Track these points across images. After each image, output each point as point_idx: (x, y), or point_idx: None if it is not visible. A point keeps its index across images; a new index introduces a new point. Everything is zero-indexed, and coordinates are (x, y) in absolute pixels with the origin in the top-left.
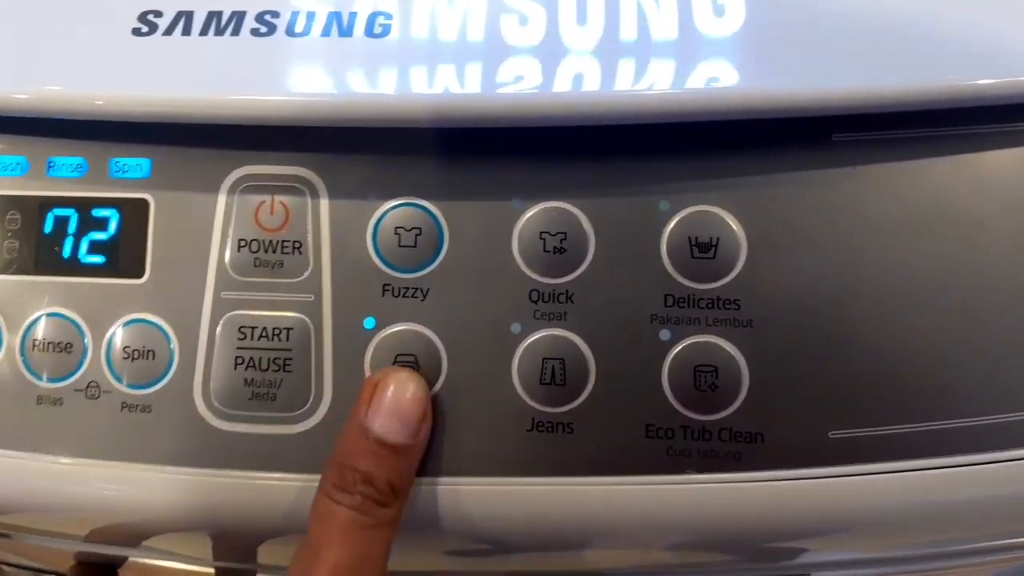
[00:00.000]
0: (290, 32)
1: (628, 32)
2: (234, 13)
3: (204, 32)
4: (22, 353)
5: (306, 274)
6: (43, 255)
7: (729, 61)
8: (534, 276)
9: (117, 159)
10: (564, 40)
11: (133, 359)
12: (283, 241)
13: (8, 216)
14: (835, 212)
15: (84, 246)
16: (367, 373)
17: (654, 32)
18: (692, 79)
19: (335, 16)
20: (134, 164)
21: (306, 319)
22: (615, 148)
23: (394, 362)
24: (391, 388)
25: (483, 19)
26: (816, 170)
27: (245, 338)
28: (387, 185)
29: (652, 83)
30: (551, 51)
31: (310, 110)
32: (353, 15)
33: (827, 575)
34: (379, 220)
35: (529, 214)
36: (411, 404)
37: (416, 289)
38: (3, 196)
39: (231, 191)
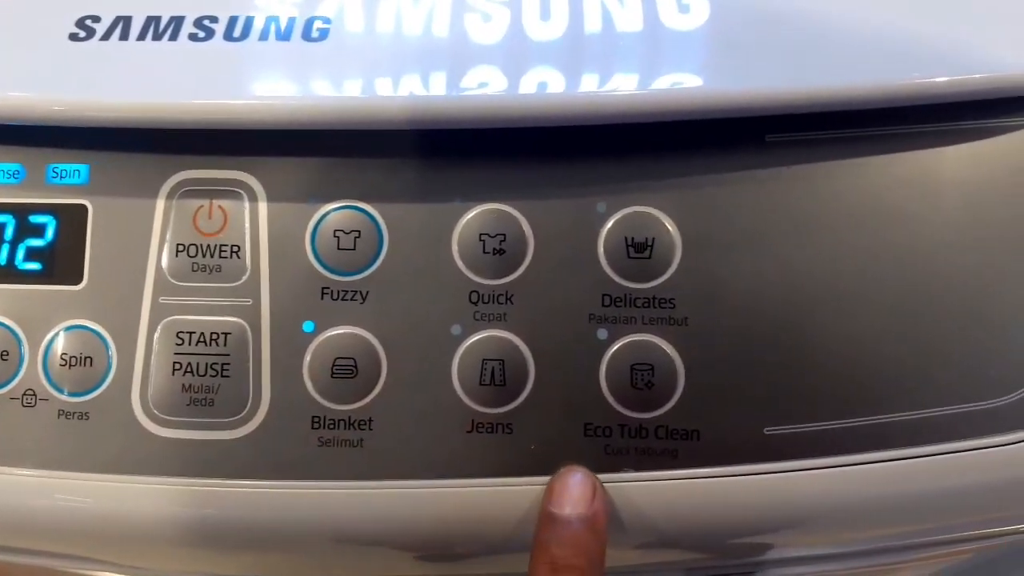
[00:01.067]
0: (228, 37)
1: (561, 37)
2: (172, 18)
3: (142, 37)
4: None
5: (244, 278)
6: None
7: (663, 64)
8: (474, 277)
9: (54, 165)
10: (513, 44)
11: (71, 366)
12: (221, 245)
13: None
14: (769, 212)
15: (21, 252)
16: (306, 377)
17: (588, 37)
18: (628, 82)
19: (273, 20)
20: (72, 170)
21: (244, 324)
22: (553, 150)
23: (333, 365)
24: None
25: (421, 22)
26: (750, 170)
27: (183, 343)
28: (326, 188)
29: (588, 86)
30: (491, 54)
31: (248, 114)
32: (292, 20)
33: (777, 573)
34: (318, 223)
35: (468, 216)
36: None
37: (355, 292)
38: None
39: (169, 196)
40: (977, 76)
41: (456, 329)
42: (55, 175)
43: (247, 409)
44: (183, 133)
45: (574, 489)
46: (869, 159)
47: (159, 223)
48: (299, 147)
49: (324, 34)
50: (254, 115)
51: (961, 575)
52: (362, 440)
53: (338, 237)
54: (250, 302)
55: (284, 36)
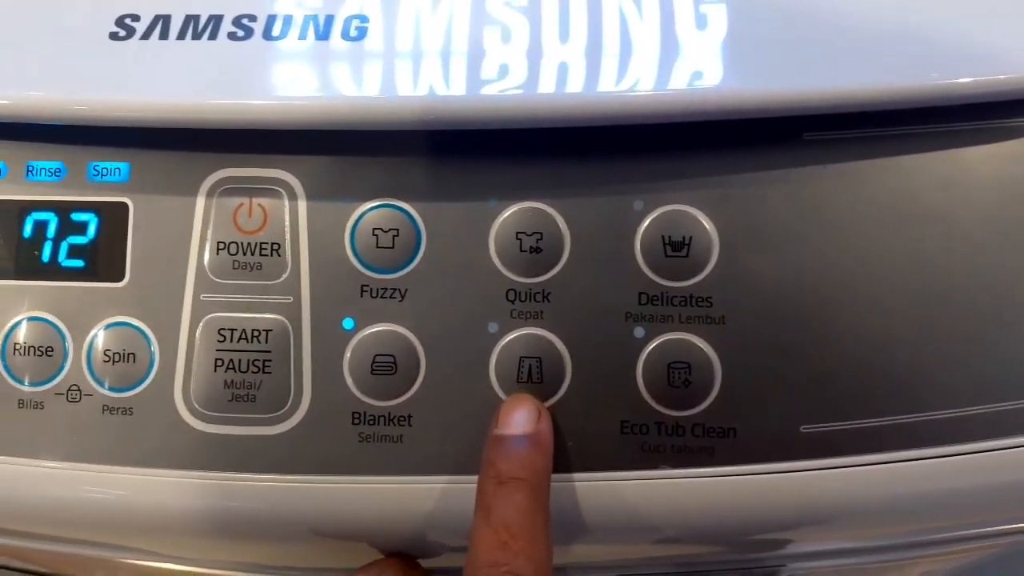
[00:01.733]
0: (267, 36)
1: (608, 36)
2: (211, 17)
3: (182, 36)
4: (2, 357)
5: (284, 276)
6: (23, 259)
7: (703, 63)
8: (511, 276)
9: (95, 163)
10: (544, 43)
11: (114, 362)
12: (261, 243)
13: None
14: (806, 210)
15: (64, 250)
16: (346, 373)
17: (634, 36)
18: (667, 81)
19: (312, 19)
20: (112, 168)
21: (285, 321)
22: (590, 149)
23: (372, 362)
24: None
25: (465, 23)
26: (787, 168)
27: (225, 340)
28: (365, 187)
29: (628, 85)
30: (531, 54)
31: (287, 114)
32: (330, 18)
33: (801, 566)
34: (357, 221)
35: (505, 214)
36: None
37: (394, 290)
38: None
39: (210, 194)
40: (1003, 77)
41: (493, 327)
42: (96, 173)
43: (288, 405)
44: (223, 132)
45: (518, 413)
46: (902, 158)
47: (199, 221)
48: (338, 146)
49: (363, 33)
50: (294, 115)
51: (985, 566)
52: (402, 436)
53: (377, 235)
54: (291, 299)
55: (323, 35)
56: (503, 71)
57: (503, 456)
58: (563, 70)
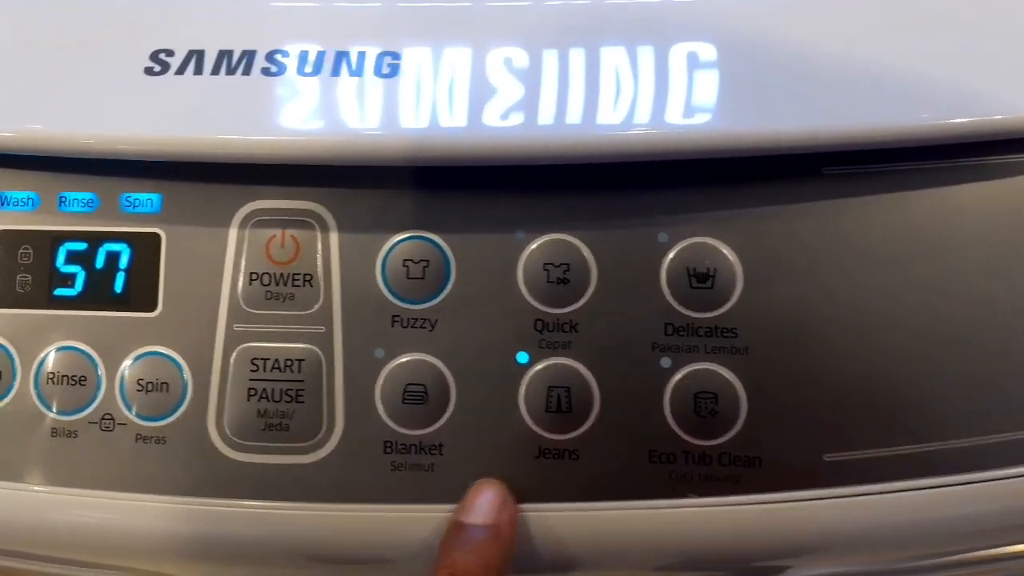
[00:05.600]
0: (300, 72)
1: (643, 75)
2: (244, 52)
3: (215, 71)
4: (36, 386)
5: (317, 306)
6: (55, 289)
7: (726, 100)
8: (539, 306)
9: (128, 194)
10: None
11: (147, 391)
12: (294, 274)
13: (20, 251)
14: (825, 242)
15: (97, 280)
16: (378, 403)
17: (664, 75)
18: (692, 117)
19: (343, 56)
20: (145, 199)
21: (317, 350)
22: (615, 182)
23: (404, 392)
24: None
25: (491, 61)
26: (808, 202)
27: (258, 369)
28: (395, 219)
29: (655, 120)
30: (553, 88)
31: (320, 149)
32: (362, 55)
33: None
34: (388, 253)
35: (533, 246)
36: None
37: (424, 320)
38: (15, 231)
39: (242, 225)
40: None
41: (522, 357)
42: (128, 204)
43: (321, 434)
44: (255, 164)
45: (482, 498)
46: (920, 192)
47: (232, 251)
48: (369, 179)
49: (395, 70)
50: (326, 150)
51: None
52: (433, 465)
53: (407, 266)
54: (323, 329)
55: (356, 71)
56: (531, 106)
57: (459, 547)
58: (591, 106)
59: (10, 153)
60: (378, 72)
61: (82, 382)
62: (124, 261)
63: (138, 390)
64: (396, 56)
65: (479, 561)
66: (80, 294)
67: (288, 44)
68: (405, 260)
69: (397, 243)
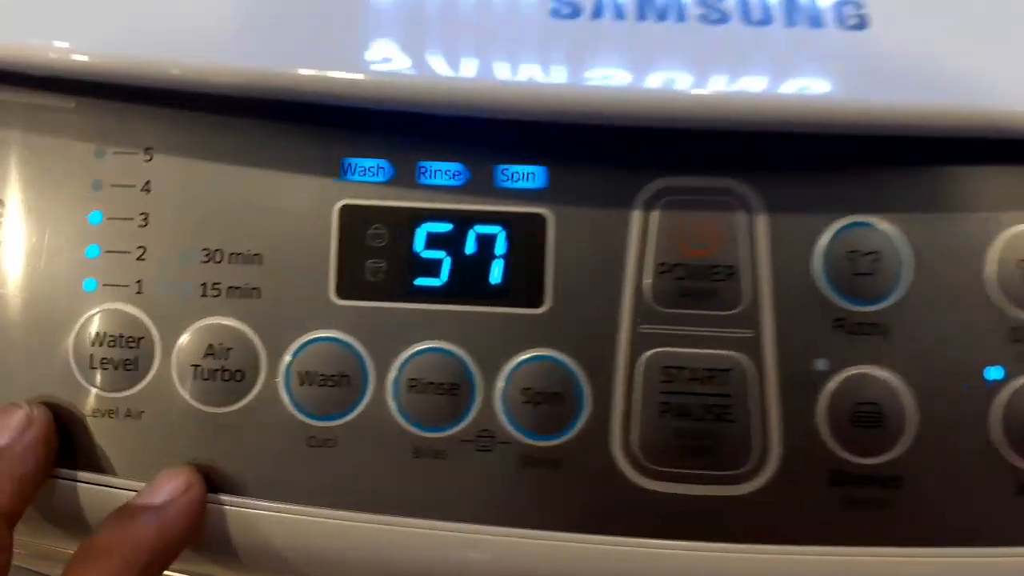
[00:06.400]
0: (746, 19)
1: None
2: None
3: (642, 17)
4: (395, 396)
5: (742, 306)
6: (416, 278)
7: None
8: (1018, 311)
9: (505, 166)
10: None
11: (535, 404)
12: (713, 266)
13: (372, 231)
14: None
15: (467, 268)
16: (821, 425)
17: None
18: None
19: (793, 4)
20: (526, 172)
21: (745, 359)
22: None
23: (853, 412)
24: None
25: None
26: None
27: (672, 381)
28: (837, 201)
29: None
30: None
31: (755, 111)
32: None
33: None
34: (829, 243)
35: (1009, 232)
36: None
37: (876, 325)
38: (365, 206)
39: (647, 206)
40: None
41: (995, 372)
42: (506, 178)
43: (753, 460)
44: (663, 133)
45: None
46: None
47: (635, 238)
48: (804, 153)
49: (863, 22)
50: (764, 114)
51: None
52: (888, 500)
53: (853, 259)
54: (751, 334)
55: (816, 22)
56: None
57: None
58: None
59: (360, 106)
60: (840, 23)
61: (453, 391)
62: (500, 246)
63: (524, 401)
64: (858, 5)
65: (121, 539)
66: (446, 285)
67: None
68: (850, 251)
69: (839, 230)
